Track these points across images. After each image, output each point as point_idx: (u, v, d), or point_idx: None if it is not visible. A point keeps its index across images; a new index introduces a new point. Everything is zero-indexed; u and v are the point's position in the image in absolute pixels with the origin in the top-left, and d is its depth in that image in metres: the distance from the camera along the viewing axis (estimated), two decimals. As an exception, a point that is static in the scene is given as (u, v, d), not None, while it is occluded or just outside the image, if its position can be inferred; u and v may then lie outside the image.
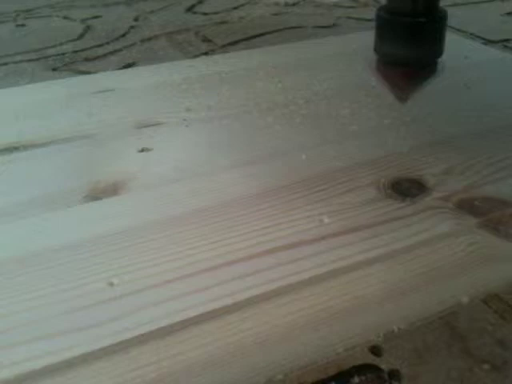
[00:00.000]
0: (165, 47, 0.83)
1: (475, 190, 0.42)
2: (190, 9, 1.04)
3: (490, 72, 0.65)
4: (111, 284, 0.34)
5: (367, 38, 0.76)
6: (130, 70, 0.73)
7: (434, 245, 0.37)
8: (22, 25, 0.96)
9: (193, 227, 0.39)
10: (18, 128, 0.55)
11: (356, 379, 0.28)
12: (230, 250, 0.37)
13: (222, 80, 0.65)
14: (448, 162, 0.46)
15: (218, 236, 0.38)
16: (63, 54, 0.81)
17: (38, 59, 0.79)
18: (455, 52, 0.69)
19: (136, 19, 0.98)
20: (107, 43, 0.85)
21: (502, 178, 0.44)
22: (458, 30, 0.82)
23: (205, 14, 1.00)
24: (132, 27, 0.93)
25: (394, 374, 0.28)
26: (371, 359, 0.29)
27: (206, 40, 0.85)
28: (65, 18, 1.00)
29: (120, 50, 0.82)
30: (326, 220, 0.39)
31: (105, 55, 0.80)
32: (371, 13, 0.96)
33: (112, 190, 0.44)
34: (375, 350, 0.30)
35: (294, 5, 1.04)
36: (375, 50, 0.46)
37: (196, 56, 0.78)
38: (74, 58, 0.79)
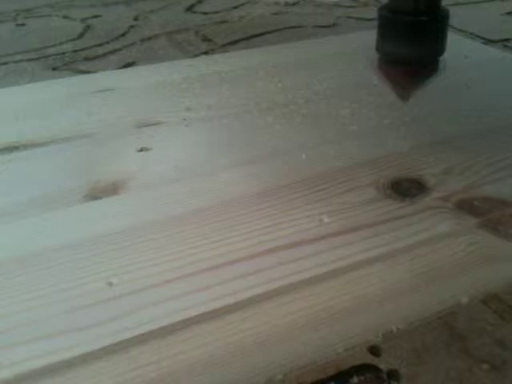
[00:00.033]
0: (165, 47, 0.83)
1: (475, 190, 0.42)
2: (189, 8, 1.04)
3: (490, 72, 0.65)
4: (111, 284, 0.34)
5: (367, 37, 0.76)
6: (129, 69, 0.73)
7: (434, 245, 0.37)
8: (22, 24, 0.96)
9: (193, 227, 0.39)
10: (17, 127, 0.55)
11: (355, 379, 0.28)
12: (232, 249, 0.37)
13: (222, 79, 0.65)
14: (448, 162, 0.46)
15: (219, 235, 0.38)
16: (63, 53, 0.81)
17: (37, 59, 0.79)
18: (455, 52, 0.69)
19: (136, 19, 0.98)
20: (107, 43, 0.85)
21: (501, 178, 0.44)
22: (458, 29, 0.82)
23: (205, 13, 1.00)
24: (132, 26, 0.93)
25: (392, 374, 0.28)
26: (370, 359, 0.29)
27: (205, 39, 0.85)
28: (64, 17, 1.00)
29: (120, 49, 0.82)
30: (326, 220, 0.39)
31: (105, 55, 0.80)
32: (371, 12, 0.96)
33: (112, 189, 0.44)
34: (374, 350, 0.30)
35: (293, 4, 1.04)
36: (377, 48, 0.46)
37: (196, 55, 0.78)
38: (74, 58, 0.79)
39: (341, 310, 0.32)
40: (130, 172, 0.47)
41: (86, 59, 0.78)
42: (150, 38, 0.86)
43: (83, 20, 0.97)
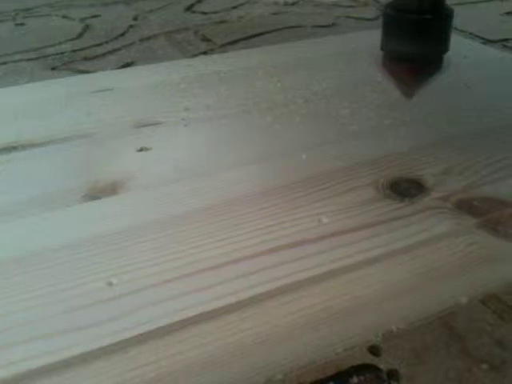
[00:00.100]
0: (164, 46, 0.83)
1: (474, 190, 0.42)
2: (189, 8, 1.04)
3: (490, 72, 0.65)
4: (110, 284, 0.34)
5: (367, 37, 0.76)
6: (128, 69, 0.73)
7: (433, 245, 0.37)
8: (21, 24, 0.96)
9: (196, 226, 0.39)
10: (16, 127, 0.55)
11: (355, 379, 0.28)
12: (236, 248, 0.37)
13: (221, 79, 0.65)
14: (447, 162, 0.46)
15: (223, 234, 0.38)
16: (62, 53, 0.81)
17: (37, 58, 0.78)
18: (455, 52, 0.69)
19: (135, 18, 0.98)
20: (106, 42, 0.85)
21: (500, 178, 0.44)
22: (458, 29, 0.82)
23: (204, 13, 1.00)
24: (131, 26, 0.93)
25: (392, 374, 0.28)
26: (370, 359, 0.29)
27: (205, 39, 0.85)
28: (64, 17, 1.00)
29: (119, 49, 0.82)
30: (327, 219, 0.39)
31: (104, 54, 0.80)
32: (371, 12, 0.96)
33: (111, 189, 0.44)
34: (374, 350, 0.30)
35: (293, 4, 1.04)
36: (382, 47, 0.46)
37: (195, 55, 0.78)
38: (73, 58, 0.79)
39: (341, 309, 0.32)
40: (130, 172, 0.47)
41: (85, 59, 0.78)
42: (149, 38, 0.86)
43: (82, 20, 0.97)
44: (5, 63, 0.77)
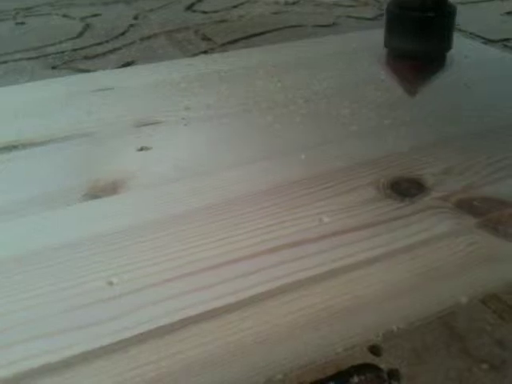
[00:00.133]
0: (164, 46, 0.82)
1: (474, 190, 0.42)
2: (189, 7, 1.04)
3: (490, 72, 0.65)
4: (111, 283, 0.34)
5: (367, 36, 0.76)
6: (129, 68, 0.73)
7: (434, 245, 0.37)
8: (22, 23, 0.96)
9: (195, 225, 0.39)
10: (17, 126, 0.55)
11: (355, 379, 0.28)
12: (236, 247, 0.37)
13: (222, 79, 0.65)
14: (448, 162, 0.46)
15: (223, 233, 0.38)
16: (63, 52, 0.81)
17: (37, 57, 0.78)
18: (455, 51, 0.69)
19: (135, 17, 0.98)
20: (107, 41, 0.85)
21: (500, 178, 0.44)
22: (458, 29, 0.82)
23: (204, 12, 1.00)
24: (131, 25, 0.93)
25: (393, 374, 0.28)
26: (370, 359, 0.29)
27: (205, 39, 0.85)
28: (64, 16, 1.00)
29: (119, 48, 0.82)
30: (327, 219, 0.39)
31: (104, 53, 0.80)
32: (371, 12, 0.96)
33: (111, 188, 0.44)
34: (374, 350, 0.30)
35: (293, 3, 1.04)
36: (385, 44, 0.46)
37: (195, 55, 0.78)
38: (74, 57, 0.79)
39: (341, 309, 0.32)
40: (130, 171, 0.47)
41: (86, 58, 0.78)
42: (149, 37, 0.86)
43: (83, 19, 0.97)
44: (5, 62, 0.77)
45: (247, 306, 0.32)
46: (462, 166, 0.46)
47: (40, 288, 0.34)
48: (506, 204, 0.41)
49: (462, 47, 0.72)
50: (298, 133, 0.52)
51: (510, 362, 0.29)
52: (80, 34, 0.89)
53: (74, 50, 0.81)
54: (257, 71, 0.67)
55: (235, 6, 1.03)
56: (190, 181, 0.45)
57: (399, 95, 0.57)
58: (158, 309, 0.32)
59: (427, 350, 0.30)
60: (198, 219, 0.40)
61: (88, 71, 0.72)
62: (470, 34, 0.81)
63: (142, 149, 0.50)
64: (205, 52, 0.79)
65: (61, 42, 0.85)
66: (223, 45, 0.81)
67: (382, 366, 0.29)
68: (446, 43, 0.45)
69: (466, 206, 0.40)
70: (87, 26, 0.93)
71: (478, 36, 0.80)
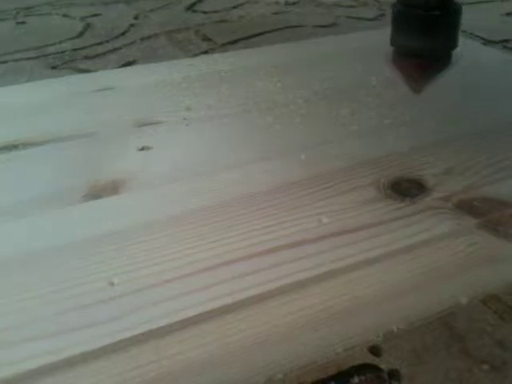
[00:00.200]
0: (164, 46, 0.83)
1: (475, 191, 0.42)
2: (189, 7, 1.04)
3: (490, 72, 0.65)
4: (111, 283, 0.34)
5: (367, 37, 0.76)
6: (129, 68, 0.73)
7: (434, 245, 0.37)
8: (22, 22, 0.96)
9: (192, 226, 0.39)
10: (17, 126, 0.55)
11: (356, 379, 0.28)
12: (230, 249, 0.37)
13: (222, 79, 0.65)
14: (448, 162, 0.46)
15: (217, 236, 0.38)
16: (63, 51, 0.81)
17: (37, 57, 0.78)
18: (455, 51, 0.69)
19: (136, 17, 0.98)
20: (107, 41, 0.85)
21: (501, 178, 0.44)
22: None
23: (205, 12, 1.00)
24: (132, 25, 0.93)
25: (393, 374, 0.28)
26: (371, 359, 0.29)
27: (205, 39, 0.85)
28: (64, 15, 1.00)
29: (120, 48, 0.82)
30: (327, 219, 0.39)
31: (104, 53, 0.80)
32: (371, 12, 0.96)
33: (112, 188, 0.44)
34: (374, 350, 0.30)
35: (294, 4, 1.04)
36: (391, 42, 0.46)
37: (196, 55, 0.78)
38: (74, 56, 0.79)
39: (341, 310, 0.32)
40: (131, 171, 0.47)
41: (86, 58, 0.78)
42: (149, 37, 0.86)
43: (83, 18, 0.97)
44: (5, 62, 0.77)
45: (247, 306, 0.32)
46: (462, 166, 0.46)
47: (41, 288, 0.34)
48: (506, 204, 0.41)
49: (461, 48, 0.72)
50: (298, 133, 0.52)
51: (511, 362, 0.29)
52: (80, 34, 0.89)
53: (75, 49, 0.81)
54: (257, 71, 0.67)
55: (235, 7, 1.03)
56: (190, 181, 0.45)
57: (399, 95, 0.57)
58: (158, 309, 0.32)
59: (427, 350, 0.30)
60: (195, 220, 0.40)
61: (88, 71, 0.72)
62: (470, 34, 0.81)
63: (142, 149, 0.50)
64: (205, 52, 0.79)
65: (61, 42, 0.85)
66: (223, 45, 0.81)
67: (383, 366, 0.29)
68: (451, 41, 0.45)
69: (467, 207, 0.40)
70: (87, 26, 0.93)
71: (478, 36, 0.80)
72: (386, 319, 0.31)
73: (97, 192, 0.44)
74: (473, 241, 0.37)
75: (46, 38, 0.87)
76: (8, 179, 0.47)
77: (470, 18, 0.89)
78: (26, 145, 0.52)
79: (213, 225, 0.39)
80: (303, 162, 0.47)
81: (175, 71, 0.68)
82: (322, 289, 0.34)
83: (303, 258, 0.36)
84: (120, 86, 0.64)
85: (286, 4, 1.04)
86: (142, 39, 0.85)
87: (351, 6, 1.01)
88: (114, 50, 0.81)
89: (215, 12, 1.00)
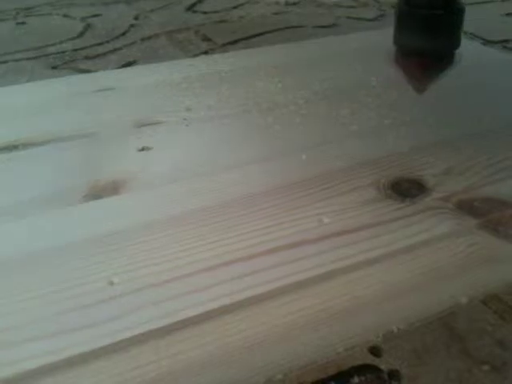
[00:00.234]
0: (165, 46, 0.83)
1: (475, 191, 0.42)
2: (190, 8, 1.04)
3: (490, 72, 0.65)
4: (111, 283, 0.34)
5: (367, 37, 0.77)
6: (129, 68, 0.73)
7: (434, 245, 0.37)
8: (22, 23, 0.96)
9: (191, 227, 0.39)
10: (17, 126, 0.55)
11: (356, 379, 0.28)
12: (230, 249, 0.37)
13: (222, 79, 0.65)
14: (448, 162, 0.46)
15: (217, 236, 0.38)
16: (63, 52, 0.81)
17: (37, 57, 0.78)
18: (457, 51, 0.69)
19: (136, 18, 0.98)
20: (107, 42, 0.85)
21: (501, 178, 0.44)
22: (458, 30, 0.82)
23: (205, 12, 1.00)
24: (132, 26, 0.93)
25: (393, 375, 0.28)
26: (371, 359, 0.29)
27: (205, 39, 0.85)
28: (65, 16, 1.00)
29: (120, 48, 0.82)
30: (327, 220, 0.39)
31: (105, 54, 0.80)
32: (371, 12, 0.96)
33: (112, 188, 0.44)
34: (375, 351, 0.30)
35: (294, 4, 1.04)
36: (394, 41, 0.46)
37: (196, 55, 0.78)
38: (74, 57, 0.79)
39: (341, 310, 0.32)
40: (131, 171, 0.47)
41: (86, 58, 0.78)
42: (150, 38, 0.86)
43: (83, 19, 0.97)
44: (5, 62, 0.77)
45: (246, 306, 0.32)
46: (462, 166, 0.46)
47: (41, 288, 0.34)
48: (506, 205, 0.41)
49: (461, 48, 0.72)
50: (298, 133, 0.52)
51: (511, 363, 0.29)
52: (81, 34, 0.89)
53: (75, 49, 0.81)
54: (257, 72, 0.67)
55: (236, 7, 1.03)
56: (190, 181, 0.45)
57: (399, 95, 0.57)
58: (158, 309, 0.32)
59: (427, 350, 0.30)
60: (194, 221, 0.40)
61: (89, 71, 0.72)
62: (470, 34, 0.81)
63: (142, 149, 0.50)
64: (205, 52, 0.79)
65: (61, 42, 0.85)
66: (224, 45, 0.81)
67: (383, 366, 0.29)
68: (454, 41, 0.45)
69: (467, 207, 0.40)
70: (88, 26, 0.93)
71: (478, 37, 0.80)
72: (386, 319, 0.31)
73: (97, 192, 0.44)
74: (473, 241, 0.37)
75: (47, 38, 0.87)
76: (8, 179, 0.47)
77: (470, 18, 0.89)
78: (26, 145, 0.52)
79: (213, 225, 0.39)
80: (303, 163, 0.47)
81: (175, 71, 0.68)
82: (322, 289, 0.34)
83: (303, 258, 0.36)
84: (120, 87, 0.64)
85: (287, 4, 1.04)
86: (143, 39, 0.85)
87: (351, 7, 1.01)
88: (115, 50, 0.81)
89: (215, 12, 1.00)
